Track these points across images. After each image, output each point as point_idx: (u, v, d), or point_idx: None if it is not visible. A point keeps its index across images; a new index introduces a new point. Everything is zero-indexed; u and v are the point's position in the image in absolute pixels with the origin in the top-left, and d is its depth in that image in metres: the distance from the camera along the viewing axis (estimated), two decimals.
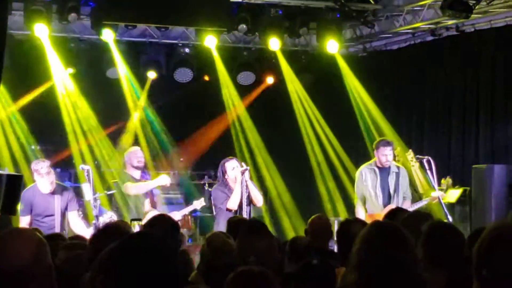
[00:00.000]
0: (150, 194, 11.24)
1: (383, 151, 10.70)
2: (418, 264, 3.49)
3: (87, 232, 9.41)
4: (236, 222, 7.14)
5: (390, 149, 10.72)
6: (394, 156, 10.94)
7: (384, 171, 10.72)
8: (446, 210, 10.09)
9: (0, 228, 4.04)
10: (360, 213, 10.62)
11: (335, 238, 6.44)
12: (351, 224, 5.69)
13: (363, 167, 10.98)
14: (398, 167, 10.81)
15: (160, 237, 3.20)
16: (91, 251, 4.55)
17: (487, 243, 2.61)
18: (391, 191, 10.67)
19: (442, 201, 10.26)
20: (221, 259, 5.09)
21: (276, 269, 4.52)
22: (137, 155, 11.14)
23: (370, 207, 10.70)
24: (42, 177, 9.67)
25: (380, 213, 10.10)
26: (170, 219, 6.08)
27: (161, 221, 5.93)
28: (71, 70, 13.71)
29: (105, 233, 4.86)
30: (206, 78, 15.06)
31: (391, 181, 10.69)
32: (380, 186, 10.65)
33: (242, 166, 10.26)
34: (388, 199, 10.66)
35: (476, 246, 2.64)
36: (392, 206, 10.22)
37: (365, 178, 10.74)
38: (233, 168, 10.22)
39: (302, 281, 4.15)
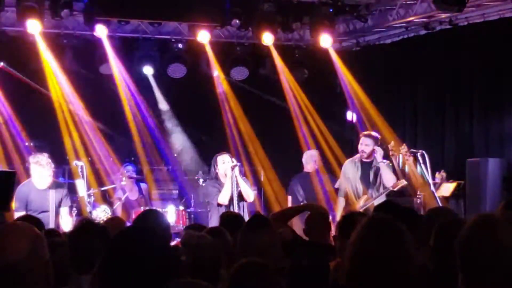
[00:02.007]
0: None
1: (362, 141, 10.99)
2: (411, 259, 3.48)
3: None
4: (229, 217, 7.15)
5: (369, 141, 10.91)
6: (388, 151, 10.97)
7: (366, 164, 10.89)
8: (440, 204, 10.08)
9: None
10: (340, 205, 10.94)
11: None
12: (356, 217, 5.64)
13: (347, 161, 11.33)
14: (384, 162, 10.86)
15: (153, 230, 3.22)
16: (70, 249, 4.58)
17: (467, 233, 2.61)
18: (372, 184, 10.84)
19: (436, 194, 10.29)
20: (199, 256, 5.09)
21: (278, 264, 4.50)
22: None
23: (350, 199, 10.89)
24: (43, 167, 9.65)
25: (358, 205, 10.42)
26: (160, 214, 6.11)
27: (151, 216, 5.93)
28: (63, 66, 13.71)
29: (82, 231, 4.85)
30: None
31: (371, 175, 10.82)
32: (360, 179, 10.84)
33: (233, 162, 10.32)
34: (367, 190, 10.85)
35: (458, 241, 2.64)
36: (363, 199, 10.72)
37: (346, 171, 11.02)
38: (223, 162, 10.32)
39: (293, 282, 4.14)
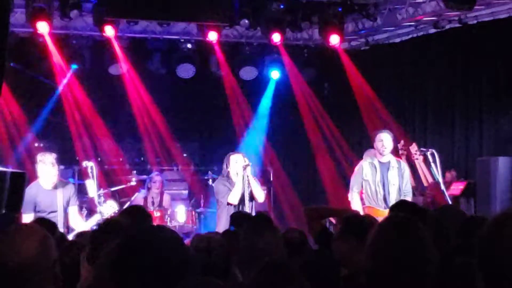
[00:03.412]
0: None
1: (378, 137, 10.37)
2: (431, 257, 3.48)
3: (85, 225, 9.49)
4: (239, 217, 7.14)
5: (384, 135, 10.37)
6: (397, 149, 10.83)
7: (383, 166, 10.41)
8: (449, 202, 10.06)
9: (6, 225, 4.04)
10: (356, 203, 10.37)
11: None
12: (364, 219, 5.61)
13: (363, 162, 10.69)
14: (399, 162, 10.50)
15: (171, 230, 3.25)
16: (92, 249, 4.57)
17: (488, 231, 2.60)
18: (391, 186, 10.35)
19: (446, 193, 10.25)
20: (210, 257, 5.11)
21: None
22: None
23: (368, 200, 10.41)
24: (47, 166, 9.65)
25: (380, 209, 10.04)
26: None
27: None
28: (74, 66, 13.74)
29: (105, 230, 4.86)
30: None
31: (391, 176, 10.37)
32: (380, 181, 10.34)
33: (245, 162, 10.28)
34: (388, 194, 10.32)
35: (479, 238, 2.63)
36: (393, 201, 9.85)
37: (365, 172, 10.44)
38: (236, 162, 10.24)
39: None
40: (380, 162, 10.43)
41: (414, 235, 3.51)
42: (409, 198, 10.32)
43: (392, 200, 10.03)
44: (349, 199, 10.70)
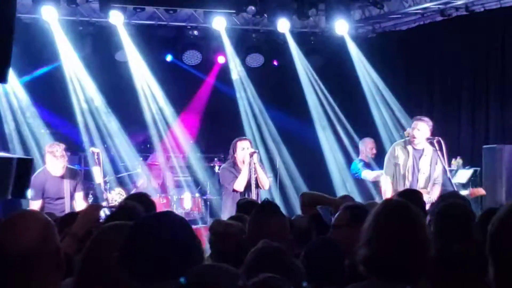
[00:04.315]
0: None
1: (413, 125, 10.27)
2: (424, 243, 3.49)
3: None
4: (246, 204, 7.13)
5: (420, 123, 10.22)
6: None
7: (417, 152, 10.25)
8: (456, 189, 10.03)
9: (11, 211, 4.05)
10: (387, 187, 10.22)
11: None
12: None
13: (397, 143, 10.58)
14: (434, 151, 10.22)
15: (177, 215, 3.26)
16: None
17: (500, 221, 2.60)
18: (420, 174, 10.24)
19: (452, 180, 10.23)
20: (226, 243, 5.12)
21: (290, 250, 4.51)
22: None
23: (395, 184, 10.24)
24: (57, 159, 9.69)
25: None
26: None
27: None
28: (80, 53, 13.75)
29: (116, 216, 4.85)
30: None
31: (422, 164, 10.25)
32: (412, 166, 10.20)
33: (252, 149, 10.27)
34: (416, 181, 10.19)
35: (490, 225, 2.63)
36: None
37: (397, 154, 10.29)
38: (243, 148, 10.21)
39: (308, 269, 4.13)
40: (414, 148, 10.31)
41: (407, 219, 3.52)
42: (438, 187, 10.30)
43: (419, 187, 9.91)
44: (380, 182, 10.63)
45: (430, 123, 10.33)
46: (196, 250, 3.05)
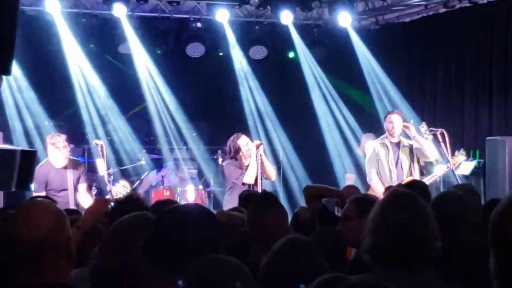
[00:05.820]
0: None
1: (388, 119, 10.45)
2: (431, 234, 3.50)
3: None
4: (246, 196, 7.13)
5: (395, 116, 10.42)
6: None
7: (395, 146, 10.44)
8: (459, 181, 10.04)
9: (15, 204, 4.07)
10: (379, 186, 10.28)
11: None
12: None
13: (374, 142, 10.74)
14: (409, 142, 10.45)
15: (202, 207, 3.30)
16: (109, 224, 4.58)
17: (501, 211, 2.60)
18: (404, 165, 10.37)
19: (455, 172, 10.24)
20: (231, 234, 5.12)
21: None
22: None
23: (382, 180, 10.38)
24: (59, 150, 9.69)
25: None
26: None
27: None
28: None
29: (122, 207, 4.86)
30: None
31: (402, 156, 10.38)
32: (394, 160, 10.36)
33: (252, 141, 10.26)
34: (401, 174, 10.34)
35: (491, 216, 2.63)
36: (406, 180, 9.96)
37: (377, 151, 10.46)
38: (246, 144, 10.20)
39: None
40: (391, 142, 10.47)
41: (415, 209, 3.53)
42: (417, 177, 10.37)
43: (405, 179, 10.09)
44: (368, 181, 10.70)
45: (401, 113, 10.66)
46: (220, 243, 3.09)
